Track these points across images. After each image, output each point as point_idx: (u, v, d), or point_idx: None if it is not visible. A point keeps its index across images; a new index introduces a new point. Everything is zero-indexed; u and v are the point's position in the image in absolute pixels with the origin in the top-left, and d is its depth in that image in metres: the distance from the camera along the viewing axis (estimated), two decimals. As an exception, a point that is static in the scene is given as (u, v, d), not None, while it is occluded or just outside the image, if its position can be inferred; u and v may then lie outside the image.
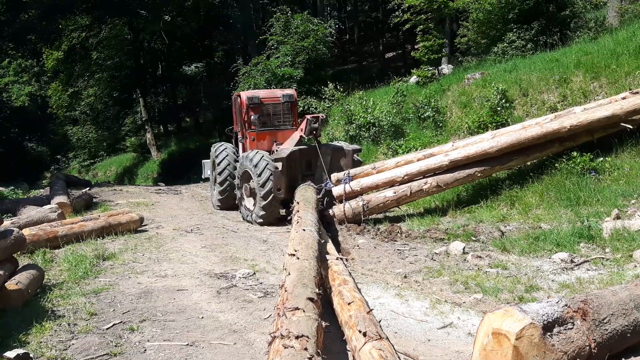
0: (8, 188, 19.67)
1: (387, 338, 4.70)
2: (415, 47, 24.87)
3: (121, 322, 6.12)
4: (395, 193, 11.81)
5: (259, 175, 12.30)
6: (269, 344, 4.15)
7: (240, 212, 13.57)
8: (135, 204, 15.52)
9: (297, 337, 3.99)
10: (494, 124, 14.32)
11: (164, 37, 39.02)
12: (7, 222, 9.60)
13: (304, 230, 7.54)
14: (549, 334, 4.14)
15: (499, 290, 6.70)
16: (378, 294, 7.00)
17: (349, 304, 5.36)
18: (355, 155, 13.37)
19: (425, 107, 17.13)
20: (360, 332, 4.58)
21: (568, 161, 11.25)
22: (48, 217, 11.36)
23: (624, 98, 11.44)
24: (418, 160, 12.32)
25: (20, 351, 5.16)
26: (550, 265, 7.65)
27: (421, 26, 20.81)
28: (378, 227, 11.09)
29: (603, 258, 7.61)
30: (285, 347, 3.86)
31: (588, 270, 7.30)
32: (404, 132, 17.64)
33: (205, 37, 38.59)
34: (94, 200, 16.33)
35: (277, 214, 12.71)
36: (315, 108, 21.87)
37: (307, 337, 4.04)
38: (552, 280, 7.00)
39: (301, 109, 21.94)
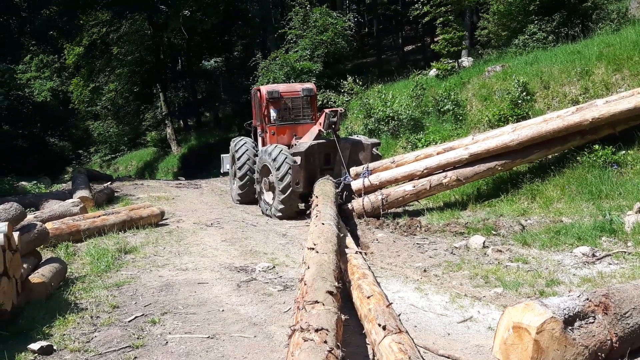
0: (31, 182, 19.96)
1: (407, 332, 4.75)
2: (435, 39, 24.75)
3: (143, 314, 6.19)
4: (414, 187, 11.81)
5: (278, 169, 12.41)
6: (289, 337, 4.17)
7: (259, 206, 13.75)
8: (156, 198, 15.64)
9: (316, 330, 3.99)
10: (514, 117, 14.19)
11: (184, 32, 39.18)
12: (30, 216, 9.74)
13: (323, 224, 7.56)
14: (570, 328, 4.12)
15: (520, 285, 6.66)
16: (397, 287, 7.00)
17: (368, 297, 5.37)
18: (374, 149, 13.37)
19: (445, 100, 17.02)
20: (379, 325, 4.57)
21: (590, 154, 11.13)
22: (70, 211, 11.50)
23: None
24: (437, 154, 12.33)
25: (44, 343, 5.25)
26: (571, 259, 7.59)
27: (441, 18, 20.62)
28: (397, 221, 11.09)
29: (625, 252, 7.54)
30: (305, 340, 3.87)
31: (610, 264, 7.24)
32: (424, 125, 17.55)
33: (225, 31, 38.68)
34: (116, 194, 16.50)
35: (296, 207, 12.84)
36: (334, 102, 21.82)
37: (327, 330, 4.04)
38: (574, 275, 6.95)
39: (320, 102, 21.91)
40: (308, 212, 10.38)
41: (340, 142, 13.03)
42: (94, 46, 39.52)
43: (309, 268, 5.56)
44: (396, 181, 12.25)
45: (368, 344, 5.06)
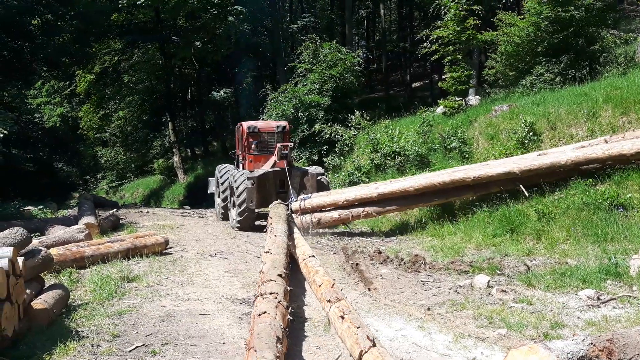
0: (37, 207, 20.02)
1: (345, 299, 6.75)
2: (443, 77, 24.93)
3: (144, 344, 6.15)
4: (339, 215, 14.52)
5: (237, 190, 15.30)
6: (253, 302, 6.50)
7: (229, 220, 16.65)
8: (160, 227, 15.65)
9: (270, 293, 6.36)
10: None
11: (195, 62, 39.64)
12: (35, 242, 9.75)
13: (275, 236, 10.07)
14: (573, 372, 4.08)
15: (524, 326, 6.61)
16: (400, 325, 6.95)
17: (319, 285, 7.51)
18: (319, 177, 16.10)
19: (452, 137, 17.12)
20: (328, 301, 6.73)
21: (596, 196, 11.13)
22: (75, 238, 11.50)
23: (539, 155, 12.94)
24: (365, 187, 15.00)
25: (44, 370, 5.22)
26: (576, 302, 7.53)
27: (449, 57, 20.83)
28: (401, 257, 11.05)
29: (630, 296, 7.48)
30: (263, 298, 6.22)
31: (614, 308, 7.18)
32: (430, 162, 17.63)
33: (235, 63, 39.16)
34: (121, 221, 16.53)
35: (252, 222, 15.58)
36: (342, 136, 22.00)
37: (277, 293, 6.42)
38: (578, 318, 6.90)
39: (328, 135, 22.20)
40: (265, 229, 12.53)
41: (292, 170, 15.96)
42: (106, 74, 40.07)
43: (265, 264, 7.87)
44: (324, 207, 14.69)
45: (324, 315, 7.08)
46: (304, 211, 14.74)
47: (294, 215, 14.60)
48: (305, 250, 9.81)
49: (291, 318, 5.90)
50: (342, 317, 6.00)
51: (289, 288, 6.97)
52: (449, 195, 13.59)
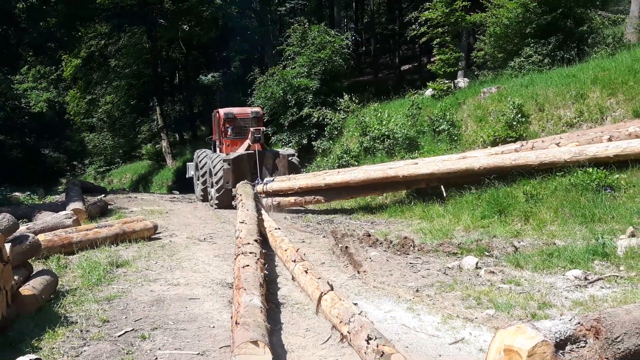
0: (24, 193, 19.92)
1: (307, 260, 8.15)
2: (432, 60, 24.87)
3: (133, 329, 6.14)
4: (295, 200, 15.99)
5: (215, 172, 16.77)
6: (235, 258, 7.94)
7: (208, 200, 18.00)
8: (149, 212, 15.60)
9: (250, 252, 7.80)
10: (510, 139, 14.33)
11: (182, 46, 39.31)
12: (22, 228, 9.69)
13: (247, 210, 11.75)
14: (561, 351, 4.11)
15: (512, 307, 6.65)
16: (389, 307, 6.98)
17: (285, 250, 8.91)
18: (290, 158, 17.52)
19: (441, 120, 17.11)
20: (293, 261, 8.11)
21: (583, 177, 11.18)
22: (63, 223, 11.44)
23: (463, 157, 13.93)
24: (315, 176, 16.32)
25: (32, 356, 5.18)
26: (563, 282, 7.58)
27: (438, 39, 20.74)
28: (390, 239, 11.07)
29: (617, 276, 7.54)
30: (245, 256, 7.63)
31: (602, 288, 7.23)
32: (419, 145, 17.64)
33: (223, 47, 38.89)
34: (109, 207, 16.46)
35: (229, 201, 16.56)
36: (330, 119, 21.96)
37: (255, 253, 7.86)
38: (566, 298, 6.94)
39: (316, 119, 22.15)
40: (234, 204, 14.59)
41: (265, 153, 17.47)
42: (92, 58, 39.71)
43: (241, 231, 9.38)
44: (281, 190, 16.09)
45: (286, 270, 8.57)
46: (267, 194, 16.17)
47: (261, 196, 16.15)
48: (270, 224, 11.34)
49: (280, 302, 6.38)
50: (306, 272, 7.37)
51: (263, 251, 8.56)
52: (386, 188, 15.04)
